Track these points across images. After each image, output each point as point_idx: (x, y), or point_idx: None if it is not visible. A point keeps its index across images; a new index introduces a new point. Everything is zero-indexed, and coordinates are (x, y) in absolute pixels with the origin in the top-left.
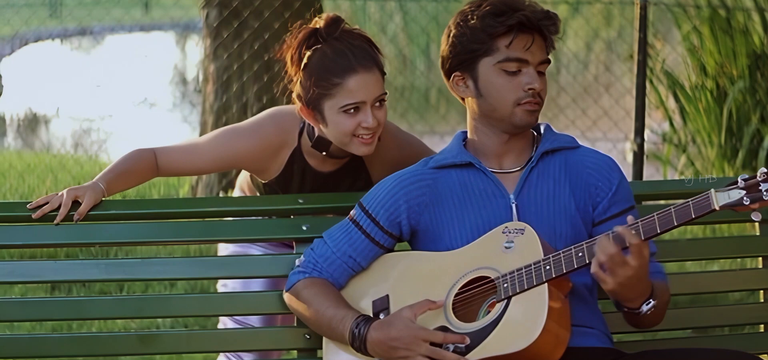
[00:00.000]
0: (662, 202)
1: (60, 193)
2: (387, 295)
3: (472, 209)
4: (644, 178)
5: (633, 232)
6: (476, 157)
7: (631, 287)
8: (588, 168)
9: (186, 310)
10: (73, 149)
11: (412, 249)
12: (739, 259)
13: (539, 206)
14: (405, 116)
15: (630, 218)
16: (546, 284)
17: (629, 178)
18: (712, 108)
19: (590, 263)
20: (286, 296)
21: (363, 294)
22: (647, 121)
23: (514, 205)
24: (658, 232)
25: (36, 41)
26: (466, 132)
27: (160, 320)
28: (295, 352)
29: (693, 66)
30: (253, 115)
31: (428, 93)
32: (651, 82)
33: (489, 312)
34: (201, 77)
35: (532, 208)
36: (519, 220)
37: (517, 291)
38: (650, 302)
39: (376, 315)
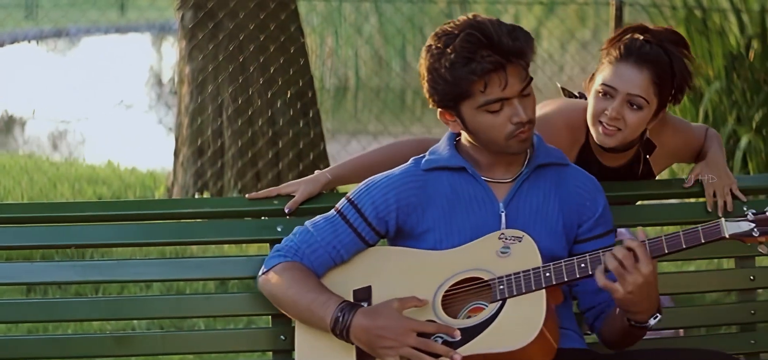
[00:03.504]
0: (640, 202)
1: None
2: (369, 287)
3: (461, 214)
4: None
5: (643, 242)
6: (468, 162)
7: (641, 298)
8: (578, 187)
9: (161, 312)
10: (49, 151)
11: (394, 245)
12: (715, 260)
13: (527, 217)
14: (380, 117)
15: (640, 232)
16: (544, 290)
17: None
18: (687, 109)
19: (590, 274)
20: (262, 279)
21: (342, 282)
22: None
23: (503, 214)
24: (665, 252)
25: (12, 43)
26: (456, 134)
27: (135, 322)
28: (271, 353)
29: None
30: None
31: (404, 94)
32: None
33: (470, 315)
34: (177, 79)
35: (520, 219)
36: (507, 228)
37: (514, 294)
38: (657, 316)
39: (357, 304)
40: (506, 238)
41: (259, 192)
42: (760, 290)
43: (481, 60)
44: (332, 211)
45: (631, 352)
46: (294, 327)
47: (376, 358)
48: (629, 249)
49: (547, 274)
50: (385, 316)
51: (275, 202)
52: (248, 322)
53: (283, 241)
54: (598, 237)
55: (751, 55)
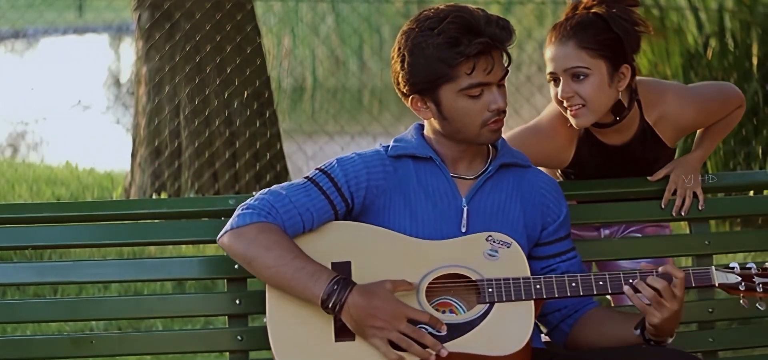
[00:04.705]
0: (600, 201)
1: None
2: (349, 262)
3: (425, 204)
4: None
5: (677, 268)
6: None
7: (673, 321)
8: (542, 189)
9: (119, 313)
10: (7, 152)
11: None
12: (673, 259)
13: (489, 215)
14: (337, 117)
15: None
16: (533, 302)
17: (560, 179)
18: None
19: (580, 294)
20: (232, 234)
21: (319, 253)
22: None
23: (465, 210)
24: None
25: None
26: (422, 125)
27: (93, 322)
28: (228, 353)
29: None
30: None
31: (361, 94)
32: None
33: (438, 309)
34: (134, 79)
35: (482, 216)
36: (468, 225)
37: (504, 299)
38: (670, 338)
39: (350, 280)
40: (494, 242)
41: None
42: (718, 288)
43: (469, 43)
44: (302, 179)
45: (593, 352)
46: (250, 327)
47: (358, 335)
48: (665, 276)
49: (538, 287)
50: (380, 297)
51: (231, 202)
52: (205, 323)
53: (252, 200)
54: (560, 240)
55: (709, 53)
